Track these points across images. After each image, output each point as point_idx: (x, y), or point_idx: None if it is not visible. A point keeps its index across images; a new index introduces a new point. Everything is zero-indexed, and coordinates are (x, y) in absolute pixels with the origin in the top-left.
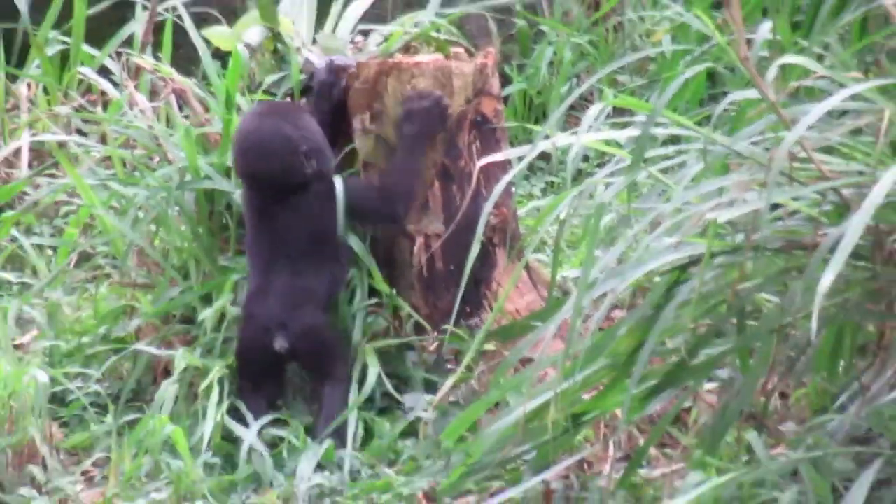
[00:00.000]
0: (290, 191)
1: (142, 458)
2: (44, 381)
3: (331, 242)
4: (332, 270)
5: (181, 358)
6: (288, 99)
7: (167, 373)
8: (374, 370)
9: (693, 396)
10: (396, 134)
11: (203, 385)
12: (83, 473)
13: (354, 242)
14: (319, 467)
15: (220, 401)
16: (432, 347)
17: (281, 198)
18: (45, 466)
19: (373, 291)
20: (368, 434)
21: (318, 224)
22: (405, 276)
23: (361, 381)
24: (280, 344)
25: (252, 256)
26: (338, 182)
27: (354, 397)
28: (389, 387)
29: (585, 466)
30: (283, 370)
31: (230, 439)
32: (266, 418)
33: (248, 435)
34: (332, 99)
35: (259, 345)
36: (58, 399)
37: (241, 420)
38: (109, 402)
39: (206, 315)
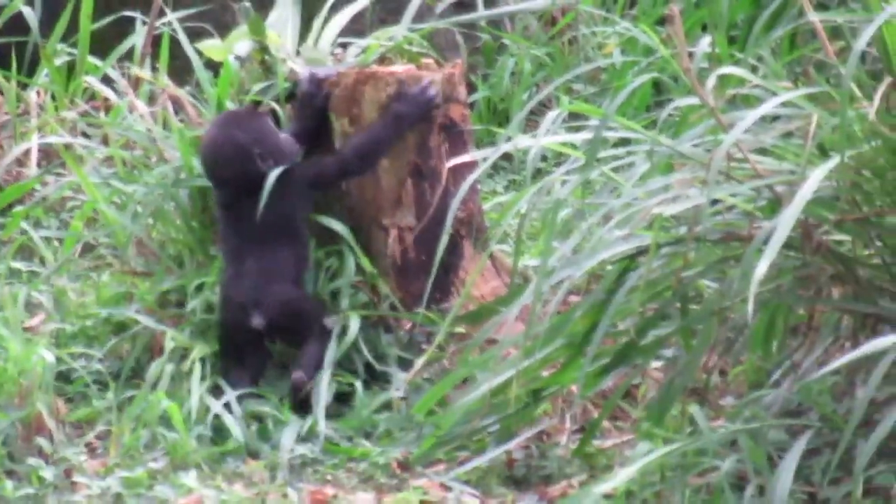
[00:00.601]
0: (252, 188)
1: (140, 430)
2: (50, 361)
3: (292, 225)
4: (296, 251)
5: (170, 339)
6: (275, 105)
7: (163, 353)
8: (355, 324)
9: (642, 373)
10: (381, 114)
11: (188, 361)
12: (87, 445)
13: (339, 227)
14: (302, 439)
15: (203, 378)
16: (406, 328)
17: (242, 195)
18: (51, 438)
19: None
20: (346, 397)
21: (280, 210)
22: (381, 264)
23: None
24: (257, 321)
25: (225, 246)
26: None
27: (333, 354)
28: (370, 357)
29: (545, 437)
30: (263, 346)
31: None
32: (247, 391)
33: (233, 408)
34: (315, 106)
35: (238, 323)
36: (63, 377)
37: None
38: (110, 380)
39: (195, 301)
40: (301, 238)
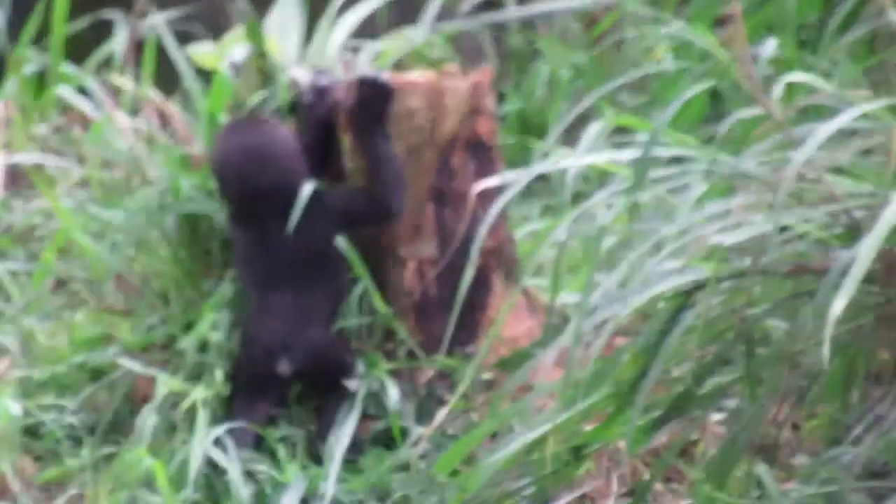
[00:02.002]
0: (288, 207)
1: (119, 493)
2: (16, 413)
3: (330, 254)
4: (334, 285)
5: (163, 383)
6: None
7: (146, 403)
8: (393, 393)
9: (700, 427)
10: (351, 127)
11: (184, 405)
12: None
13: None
14: (305, 502)
15: (197, 431)
16: (427, 375)
17: (278, 215)
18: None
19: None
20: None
21: (317, 235)
22: (397, 301)
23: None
24: (283, 367)
25: (249, 277)
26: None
27: (357, 414)
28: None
29: (587, 502)
30: (281, 395)
31: (212, 472)
32: (250, 452)
33: (232, 467)
34: (319, 120)
35: (261, 368)
36: (31, 432)
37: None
38: (85, 435)
39: (188, 342)
40: (340, 270)
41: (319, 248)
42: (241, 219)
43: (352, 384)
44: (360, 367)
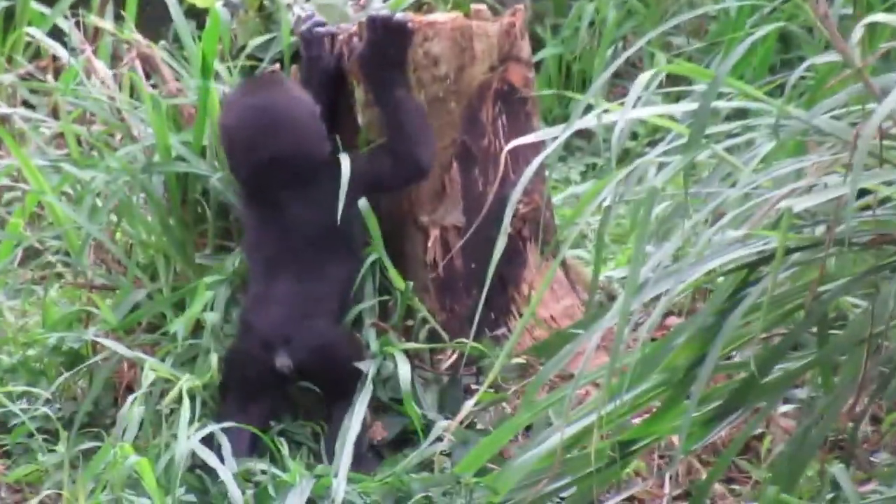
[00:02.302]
0: (310, 173)
1: (100, 494)
2: None
3: (345, 233)
4: (346, 267)
5: (150, 369)
6: (276, 65)
7: (130, 392)
8: (405, 369)
9: (766, 421)
10: (363, 76)
11: (172, 394)
12: None
13: (371, 226)
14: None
15: (192, 422)
16: (451, 361)
17: (293, 185)
18: None
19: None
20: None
21: (332, 212)
22: (418, 275)
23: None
24: (282, 361)
25: (251, 258)
26: (343, 160)
27: (367, 418)
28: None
29: None
30: (281, 390)
31: (208, 470)
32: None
33: (223, 471)
34: (324, 72)
35: (256, 361)
36: None
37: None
38: (61, 428)
39: (178, 323)
40: (354, 250)
41: (335, 223)
42: (251, 193)
43: (364, 366)
44: (371, 361)
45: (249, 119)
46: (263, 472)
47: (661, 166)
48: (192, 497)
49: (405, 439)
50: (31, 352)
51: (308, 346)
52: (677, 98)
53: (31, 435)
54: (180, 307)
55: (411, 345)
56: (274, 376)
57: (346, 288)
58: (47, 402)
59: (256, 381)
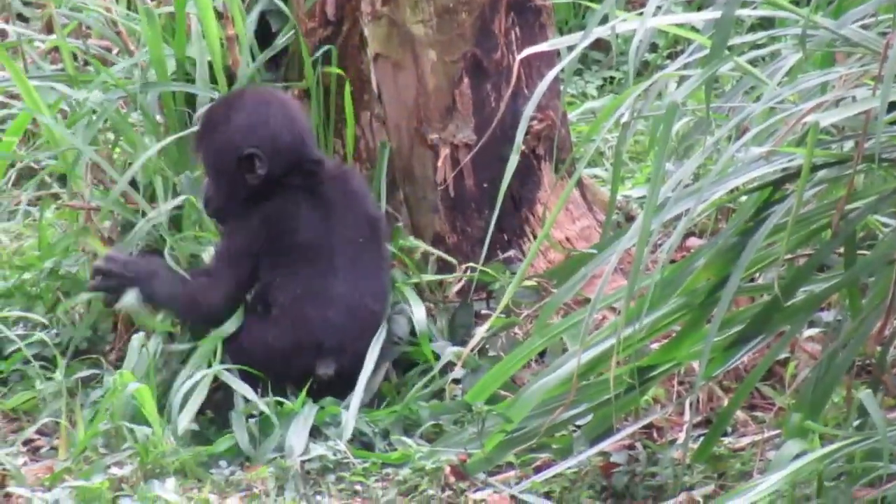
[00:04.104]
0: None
1: (99, 423)
2: None
3: (383, 232)
4: (386, 265)
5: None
6: None
7: (129, 316)
8: (419, 310)
9: (790, 345)
10: None
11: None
12: (26, 443)
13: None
14: (319, 433)
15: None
16: (459, 286)
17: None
18: None
19: None
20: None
21: (371, 210)
22: (427, 195)
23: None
24: (325, 370)
25: (306, 254)
26: None
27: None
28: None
29: (655, 434)
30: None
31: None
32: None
33: (237, 399)
34: None
35: (296, 362)
36: None
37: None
38: (58, 355)
39: (180, 245)
40: (387, 250)
41: (375, 223)
42: (296, 194)
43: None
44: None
45: (284, 121)
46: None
47: (681, 80)
48: (194, 426)
49: (412, 364)
50: (26, 276)
51: (354, 354)
52: (699, 7)
53: (27, 362)
54: (178, 226)
55: (422, 276)
56: (306, 379)
57: (389, 283)
58: (44, 327)
59: (291, 377)
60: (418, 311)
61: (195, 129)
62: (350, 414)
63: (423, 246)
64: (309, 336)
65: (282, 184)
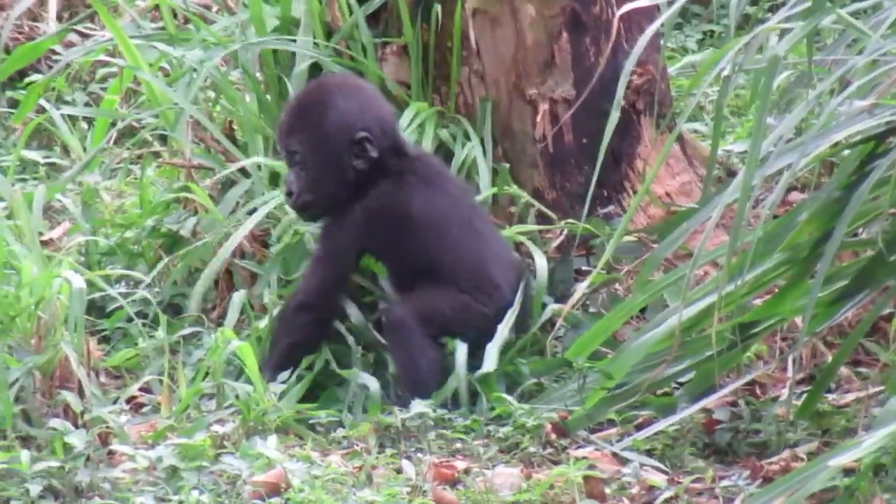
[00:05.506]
0: None
1: (201, 381)
2: (79, 286)
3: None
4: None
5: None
6: None
7: (230, 274)
8: (540, 259)
9: (894, 300)
10: None
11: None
12: (129, 400)
13: None
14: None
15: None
16: (561, 241)
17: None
18: (81, 392)
19: None
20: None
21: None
22: (526, 151)
23: None
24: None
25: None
26: None
27: None
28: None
29: (757, 390)
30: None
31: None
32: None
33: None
34: None
35: (484, 323)
36: (96, 308)
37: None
38: (160, 313)
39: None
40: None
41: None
42: (402, 176)
43: None
44: None
45: (383, 100)
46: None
47: (782, 33)
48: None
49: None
50: (128, 234)
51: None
52: None
53: (129, 319)
54: (276, 184)
55: (522, 226)
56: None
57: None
58: (147, 286)
59: (466, 334)
60: (539, 260)
61: (284, 118)
62: (493, 347)
63: (524, 196)
64: (483, 295)
65: (383, 168)
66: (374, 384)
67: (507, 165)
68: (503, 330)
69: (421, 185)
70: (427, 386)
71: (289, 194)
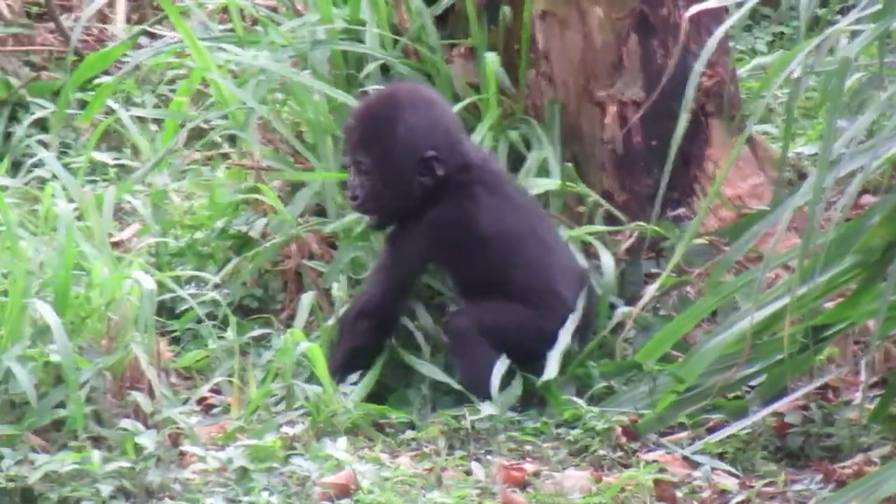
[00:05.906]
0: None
1: (271, 382)
2: (149, 287)
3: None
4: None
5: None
6: None
7: (299, 275)
8: (607, 259)
9: None
10: None
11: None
12: (199, 401)
13: None
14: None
15: None
16: (629, 243)
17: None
18: (151, 393)
19: None
20: None
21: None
22: (595, 153)
23: None
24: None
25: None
26: None
27: None
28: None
29: (830, 394)
30: None
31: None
32: None
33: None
34: None
35: (546, 337)
36: (166, 309)
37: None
38: (230, 314)
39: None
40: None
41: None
42: (469, 189)
43: None
44: None
45: (452, 114)
46: None
47: (853, 34)
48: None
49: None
50: (198, 235)
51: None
52: None
53: (199, 321)
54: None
55: (591, 227)
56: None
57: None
58: (216, 287)
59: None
60: (606, 260)
61: (353, 125)
62: (555, 354)
63: (592, 194)
64: (549, 310)
65: (451, 182)
66: (443, 377)
67: (570, 165)
68: (564, 337)
69: (487, 196)
70: (489, 396)
71: (353, 198)
